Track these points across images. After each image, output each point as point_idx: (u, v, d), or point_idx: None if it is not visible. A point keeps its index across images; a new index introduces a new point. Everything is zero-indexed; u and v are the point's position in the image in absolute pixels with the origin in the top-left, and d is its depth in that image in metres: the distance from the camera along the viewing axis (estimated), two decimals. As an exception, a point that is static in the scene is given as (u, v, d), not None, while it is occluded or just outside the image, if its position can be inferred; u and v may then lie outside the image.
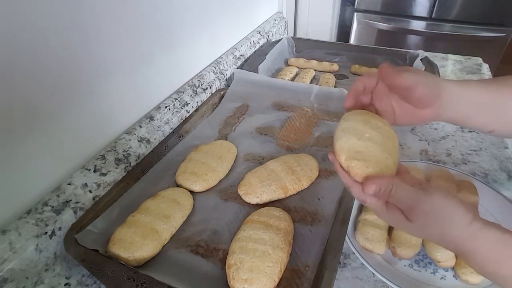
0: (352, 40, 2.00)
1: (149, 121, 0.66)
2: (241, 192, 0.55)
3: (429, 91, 0.38)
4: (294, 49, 1.13)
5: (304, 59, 1.04)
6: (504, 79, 0.42)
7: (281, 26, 1.29)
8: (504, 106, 0.41)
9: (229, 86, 0.84)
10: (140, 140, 0.63)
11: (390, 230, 0.52)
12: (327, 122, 0.73)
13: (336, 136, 0.38)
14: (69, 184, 0.52)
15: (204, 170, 0.58)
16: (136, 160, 0.61)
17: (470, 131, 0.77)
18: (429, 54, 1.04)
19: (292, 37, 1.13)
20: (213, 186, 0.58)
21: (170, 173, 0.60)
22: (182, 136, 0.69)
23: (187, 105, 0.75)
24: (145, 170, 0.60)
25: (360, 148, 0.36)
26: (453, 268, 0.48)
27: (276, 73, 0.98)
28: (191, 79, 0.81)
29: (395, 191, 0.33)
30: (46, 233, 0.46)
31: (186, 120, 0.72)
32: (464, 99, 0.40)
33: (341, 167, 0.37)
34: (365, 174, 0.35)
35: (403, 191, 0.33)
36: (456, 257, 0.48)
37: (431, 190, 0.33)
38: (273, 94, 0.80)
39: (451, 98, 0.40)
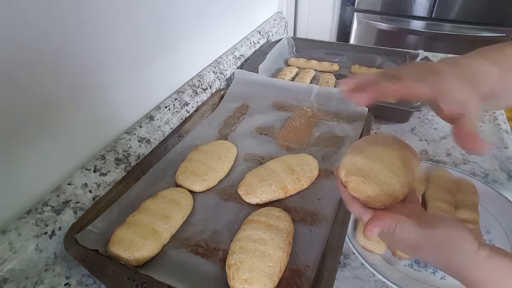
0: (352, 40, 2.00)
1: (149, 121, 0.66)
2: (241, 192, 0.55)
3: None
4: (294, 49, 1.13)
5: (304, 59, 1.04)
6: None
7: (281, 26, 1.29)
8: None
9: (229, 86, 0.84)
10: (140, 140, 0.63)
11: (390, 230, 0.52)
12: (327, 122, 0.73)
13: (344, 154, 0.39)
14: (69, 184, 0.52)
15: (204, 170, 0.58)
16: (136, 160, 0.61)
17: (470, 131, 0.77)
18: (429, 54, 1.04)
19: (292, 37, 1.13)
20: (213, 186, 0.58)
21: (170, 173, 0.60)
22: (182, 136, 0.69)
23: (187, 105, 0.75)
24: (145, 170, 0.60)
25: (362, 165, 0.36)
26: (453, 268, 0.48)
27: (276, 73, 0.98)
28: (191, 79, 0.81)
29: (399, 231, 0.33)
30: (46, 233, 0.46)
31: (186, 120, 0.72)
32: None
33: (341, 183, 0.37)
34: (360, 190, 0.35)
35: (408, 231, 0.33)
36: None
37: (436, 222, 0.33)
38: (273, 94, 0.80)
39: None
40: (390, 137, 0.39)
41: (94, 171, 0.55)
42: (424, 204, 0.56)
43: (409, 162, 0.37)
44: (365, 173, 0.35)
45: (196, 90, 0.78)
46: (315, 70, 1.00)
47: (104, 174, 0.56)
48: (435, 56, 1.12)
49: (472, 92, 0.33)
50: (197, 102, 0.78)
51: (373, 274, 0.47)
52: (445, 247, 0.32)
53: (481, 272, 0.31)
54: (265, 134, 0.70)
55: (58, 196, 0.50)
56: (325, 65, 1.02)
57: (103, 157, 0.57)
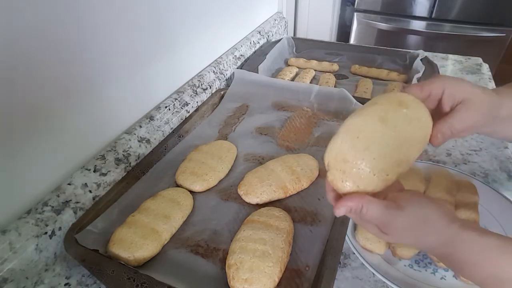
0: (352, 40, 2.00)
1: (149, 121, 0.66)
2: (241, 192, 0.55)
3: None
4: (294, 49, 1.13)
5: (304, 59, 1.04)
6: None
7: (281, 26, 1.29)
8: None
9: (229, 86, 0.84)
10: (140, 140, 0.63)
11: (390, 230, 0.52)
12: (327, 122, 0.73)
13: (337, 131, 0.35)
14: (69, 184, 0.52)
15: (204, 170, 0.58)
16: (136, 160, 0.61)
17: (470, 131, 0.77)
18: (429, 54, 1.04)
19: (292, 37, 1.13)
20: (213, 186, 0.58)
21: (170, 173, 0.60)
22: (182, 136, 0.69)
23: (187, 105, 0.75)
24: (145, 170, 0.60)
25: (348, 156, 0.33)
26: (453, 268, 0.48)
27: (276, 73, 0.98)
28: (191, 79, 0.81)
29: (365, 211, 0.33)
30: (46, 233, 0.46)
31: (186, 120, 0.72)
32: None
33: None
34: (337, 187, 0.34)
35: (374, 211, 0.33)
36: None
37: (404, 202, 0.33)
38: (273, 94, 0.80)
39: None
40: (403, 102, 0.34)
41: (94, 171, 0.55)
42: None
43: (410, 146, 0.33)
44: (347, 169, 0.33)
45: (196, 90, 0.78)
46: (315, 70, 1.00)
47: (104, 174, 0.56)
48: (435, 56, 1.12)
49: (476, 93, 0.35)
50: (197, 102, 0.78)
51: (373, 274, 0.47)
52: (414, 227, 0.33)
53: (451, 247, 0.32)
54: (265, 134, 0.70)
55: (58, 196, 0.50)
56: (325, 65, 1.02)
57: (103, 157, 0.57)
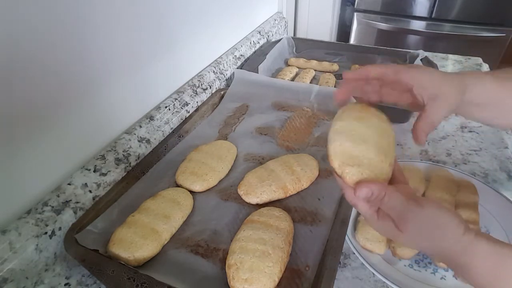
0: (352, 40, 2.00)
1: (149, 121, 0.66)
2: (241, 192, 0.55)
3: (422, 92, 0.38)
4: (294, 49, 1.13)
5: (304, 59, 1.04)
6: None
7: (281, 26, 1.29)
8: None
9: (229, 86, 0.84)
10: (140, 140, 0.63)
11: (390, 230, 0.52)
12: (327, 122, 0.73)
13: (329, 138, 0.37)
14: (69, 184, 0.52)
15: (204, 170, 0.58)
16: (136, 160, 0.61)
17: (470, 131, 0.77)
18: (429, 54, 1.05)
19: (292, 37, 1.13)
20: (213, 186, 0.58)
21: (170, 173, 0.60)
22: (182, 136, 0.69)
23: (187, 105, 0.75)
24: (145, 170, 0.60)
25: (354, 152, 0.35)
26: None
27: (276, 73, 0.98)
28: (191, 79, 0.81)
29: (387, 199, 0.33)
30: (46, 233, 0.46)
31: (186, 120, 0.72)
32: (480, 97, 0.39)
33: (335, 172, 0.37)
34: (359, 180, 0.35)
35: (396, 200, 0.33)
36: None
37: (424, 202, 0.33)
38: (273, 94, 0.80)
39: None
40: (362, 107, 0.39)
41: (94, 171, 0.55)
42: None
43: (389, 135, 0.38)
44: (359, 161, 0.35)
45: (196, 90, 0.78)
46: (315, 70, 1.00)
47: (104, 174, 0.56)
48: (435, 56, 1.12)
49: (445, 86, 0.37)
50: (197, 102, 0.78)
51: (373, 274, 0.47)
52: (430, 228, 0.33)
53: (467, 256, 0.32)
54: (265, 134, 0.70)
55: (58, 196, 0.50)
56: (325, 65, 1.02)
57: (103, 157, 0.57)
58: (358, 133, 0.36)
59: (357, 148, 0.35)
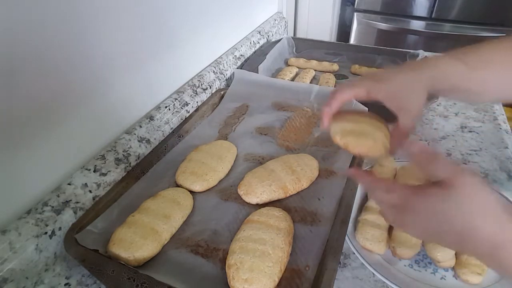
0: (352, 40, 2.00)
1: (149, 121, 0.66)
2: (241, 192, 0.55)
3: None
4: (294, 49, 1.13)
5: (304, 59, 1.04)
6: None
7: (281, 26, 1.29)
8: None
9: (229, 86, 0.84)
10: (140, 140, 0.63)
11: (390, 230, 0.52)
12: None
13: (331, 128, 0.43)
14: (69, 184, 0.52)
15: (204, 170, 0.58)
16: (136, 160, 0.61)
17: (470, 131, 0.77)
18: (429, 54, 1.04)
19: (292, 37, 1.13)
20: (213, 186, 0.58)
21: (170, 173, 0.60)
22: (182, 136, 0.69)
23: (187, 105, 0.75)
24: (145, 170, 0.60)
25: (351, 128, 0.41)
26: (453, 268, 0.48)
27: (276, 73, 0.98)
28: (191, 79, 0.81)
29: (440, 157, 0.33)
30: (46, 233, 0.46)
31: (186, 120, 0.72)
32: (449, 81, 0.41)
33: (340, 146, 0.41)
34: (361, 143, 0.39)
35: (445, 162, 0.33)
36: (456, 257, 0.48)
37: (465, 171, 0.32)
38: (273, 94, 0.80)
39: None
40: (355, 110, 0.45)
41: (94, 171, 0.55)
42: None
43: (379, 121, 0.44)
44: (358, 133, 0.40)
45: (196, 90, 0.78)
46: (315, 70, 1.00)
47: (104, 174, 0.56)
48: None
49: (412, 98, 0.41)
50: (197, 102, 0.78)
51: (373, 274, 0.47)
52: (465, 210, 0.31)
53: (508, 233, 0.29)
54: (265, 134, 0.70)
55: (58, 196, 0.50)
56: (325, 65, 1.02)
57: (103, 157, 0.57)
58: (352, 118, 0.43)
59: (354, 125, 0.42)
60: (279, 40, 1.08)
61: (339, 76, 0.99)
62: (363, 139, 0.40)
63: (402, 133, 0.41)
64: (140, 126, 0.65)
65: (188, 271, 0.45)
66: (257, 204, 0.54)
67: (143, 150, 0.63)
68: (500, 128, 0.78)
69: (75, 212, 0.50)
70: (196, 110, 0.76)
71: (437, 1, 1.73)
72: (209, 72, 0.84)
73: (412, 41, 1.88)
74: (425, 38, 1.84)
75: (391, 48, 1.07)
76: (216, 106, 0.79)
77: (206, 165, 0.59)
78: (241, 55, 1.00)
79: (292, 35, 1.77)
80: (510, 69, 0.40)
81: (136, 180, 0.58)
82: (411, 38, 1.88)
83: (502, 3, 1.65)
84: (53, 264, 0.48)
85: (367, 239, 0.50)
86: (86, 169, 0.55)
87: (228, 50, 0.97)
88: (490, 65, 0.41)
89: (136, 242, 0.46)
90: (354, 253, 0.49)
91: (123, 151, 0.60)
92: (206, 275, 0.44)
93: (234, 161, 0.63)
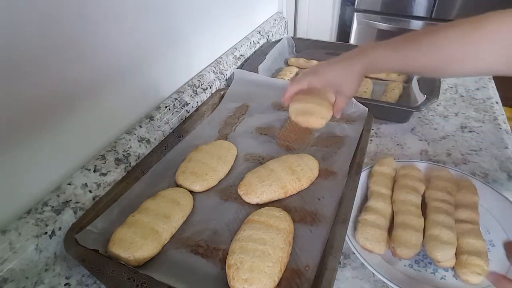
0: (352, 40, 2.00)
1: (149, 121, 0.66)
2: (241, 192, 0.55)
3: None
4: (294, 49, 1.13)
5: (304, 59, 1.04)
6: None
7: (281, 26, 1.29)
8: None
9: (229, 86, 0.84)
10: (140, 140, 0.63)
11: (390, 230, 0.52)
12: (327, 122, 0.73)
13: (288, 110, 0.58)
14: (69, 184, 0.52)
15: (204, 170, 0.58)
16: (136, 160, 0.61)
17: (470, 131, 0.77)
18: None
19: (292, 37, 1.13)
20: (213, 186, 0.58)
21: (170, 173, 0.60)
22: (182, 136, 0.69)
23: (187, 105, 0.75)
24: (145, 170, 0.60)
25: (303, 107, 0.56)
26: (453, 268, 0.48)
27: (276, 73, 0.98)
28: (191, 79, 0.81)
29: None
30: (46, 233, 0.46)
31: (186, 120, 0.72)
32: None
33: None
34: (306, 120, 0.56)
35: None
36: (456, 257, 0.48)
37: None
38: (273, 94, 0.80)
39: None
40: (309, 91, 0.57)
41: (94, 171, 0.55)
42: (424, 204, 0.56)
43: (325, 95, 0.58)
44: (305, 111, 0.56)
45: (196, 90, 0.78)
46: (315, 70, 1.00)
47: (104, 174, 0.56)
48: (435, 56, 1.12)
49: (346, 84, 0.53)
50: (197, 102, 0.78)
51: (373, 274, 0.47)
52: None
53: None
54: (265, 134, 0.70)
55: (58, 196, 0.50)
56: (325, 65, 1.01)
57: (103, 157, 0.57)
58: (304, 99, 0.57)
59: (305, 105, 0.56)
60: (279, 40, 1.08)
61: (339, 76, 0.98)
62: (308, 116, 0.55)
63: (336, 110, 0.57)
64: (140, 126, 0.65)
65: (188, 271, 0.45)
66: (257, 204, 0.54)
67: (143, 150, 0.63)
68: (500, 128, 0.78)
69: (75, 212, 0.50)
70: (196, 110, 0.76)
71: (437, 1, 1.73)
72: (209, 72, 0.84)
73: (412, 41, 1.88)
74: (425, 38, 1.84)
75: (391, 48, 1.06)
76: (216, 106, 0.79)
77: (206, 165, 0.59)
78: (241, 55, 1.00)
79: (292, 35, 1.77)
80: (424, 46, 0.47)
81: (136, 180, 0.58)
82: (411, 38, 1.88)
83: (502, 3, 1.65)
84: (53, 264, 0.48)
85: (367, 239, 0.50)
86: (86, 169, 0.55)
87: (228, 50, 0.97)
88: (413, 45, 0.48)
89: (136, 242, 0.46)
90: (354, 253, 0.49)
91: (123, 151, 0.60)
92: (206, 275, 0.44)
93: (234, 161, 0.63)
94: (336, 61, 0.53)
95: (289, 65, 1.04)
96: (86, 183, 0.53)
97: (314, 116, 0.56)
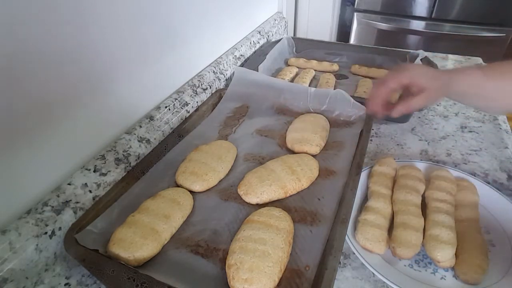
0: (352, 40, 2.00)
1: (149, 121, 0.66)
2: (241, 192, 0.55)
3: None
4: (294, 49, 1.13)
5: (304, 59, 1.05)
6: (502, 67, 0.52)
7: (281, 26, 1.29)
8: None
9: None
10: (140, 140, 0.63)
11: (390, 230, 0.52)
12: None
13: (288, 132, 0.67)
14: (69, 184, 0.52)
15: (204, 170, 0.58)
16: (136, 160, 0.61)
17: (470, 131, 0.77)
18: (429, 54, 1.05)
19: (292, 37, 1.13)
20: (213, 186, 0.58)
21: (170, 173, 0.60)
22: (182, 136, 0.69)
23: (187, 105, 0.75)
24: (145, 170, 0.60)
25: (299, 136, 0.64)
26: (453, 268, 0.48)
27: (276, 73, 0.98)
28: (191, 79, 0.81)
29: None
30: (46, 233, 0.46)
31: (186, 120, 0.72)
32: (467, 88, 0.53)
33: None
34: (302, 149, 0.63)
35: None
36: (456, 257, 0.48)
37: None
38: (273, 95, 0.80)
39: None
40: (310, 115, 0.68)
41: (94, 171, 0.55)
42: (424, 204, 0.56)
43: (320, 124, 0.68)
44: (302, 139, 0.63)
45: (196, 90, 0.78)
46: (315, 70, 1.00)
47: (104, 174, 0.56)
48: (435, 56, 1.12)
49: (429, 85, 0.52)
50: (197, 102, 0.78)
51: (373, 274, 0.47)
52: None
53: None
54: (265, 136, 0.70)
55: (58, 196, 0.50)
56: (325, 65, 1.02)
57: (103, 157, 0.57)
58: (302, 125, 0.67)
59: (301, 134, 0.64)
60: (279, 40, 1.08)
61: (339, 76, 0.99)
62: (303, 144, 0.63)
63: (406, 106, 0.54)
64: (140, 126, 0.65)
65: (188, 271, 0.45)
66: (257, 204, 0.54)
67: (143, 150, 0.63)
68: (500, 128, 0.78)
69: (75, 212, 0.50)
70: (196, 110, 0.76)
71: (437, 1, 1.73)
72: (209, 72, 0.84)
73: (412, 41, 1.89)
74: (425, 38, 1.85)
75: (391, 48, 1.07)
76: (216, 106, 0.79)
77: (206, 165, 0.59)
78: (241, 55, 1.00)
79: (292, 35, 1.77)
80: None
81: (136, 180, 0.58)
82: (411, 38, 1.88)
83: (501, 3, 1.65)
84: (53, 264, 0.48)
85: (367, 239, 0.50)
86: (86, 169, 0.55)
87: (228, 50, 0.97)
88: (505, 76, 0.50)
89: (136, 242, 0.46)
90: (354, 253, 0.49)
91: (123, 151, 0.60)
92: (206, 275, 0.44)
93: (234, 161, 0.63)
94: (429, 67, 0.56)
95: (289, 65, 1.04)
96: (86, 183, 0.53)
97: (309, 144, 0.63)
